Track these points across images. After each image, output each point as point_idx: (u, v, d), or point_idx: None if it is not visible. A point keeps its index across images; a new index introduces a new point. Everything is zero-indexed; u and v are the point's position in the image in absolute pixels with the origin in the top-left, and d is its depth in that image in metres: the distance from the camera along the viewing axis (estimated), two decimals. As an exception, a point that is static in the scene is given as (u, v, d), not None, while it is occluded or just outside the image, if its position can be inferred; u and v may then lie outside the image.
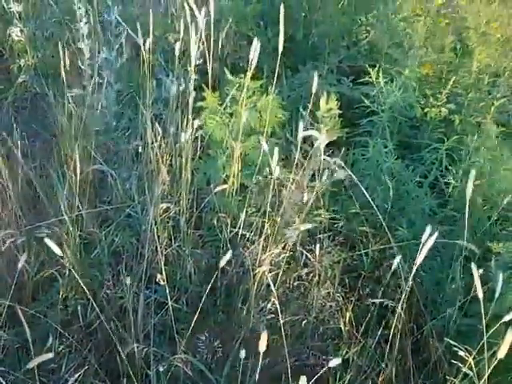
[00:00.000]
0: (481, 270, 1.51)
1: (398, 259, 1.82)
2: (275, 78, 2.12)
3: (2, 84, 3.14)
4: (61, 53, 2.28)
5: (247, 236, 2.25)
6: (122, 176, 2.43)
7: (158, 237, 2.13)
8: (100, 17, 2.60)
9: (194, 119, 2.19)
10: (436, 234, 1.55)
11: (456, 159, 2.39)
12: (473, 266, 1.47)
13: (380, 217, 2.03)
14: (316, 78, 1.96)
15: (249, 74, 2.09)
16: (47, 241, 1.42)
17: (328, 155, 2.14)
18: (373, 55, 2.96)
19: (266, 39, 3.30)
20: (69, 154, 2.43)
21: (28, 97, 3.08)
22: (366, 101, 2.40)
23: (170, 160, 2.39)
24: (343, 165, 2.10)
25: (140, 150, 2.50)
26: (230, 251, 1.70)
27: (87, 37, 2.47)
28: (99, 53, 2.50)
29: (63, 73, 2.33)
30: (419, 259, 1.56)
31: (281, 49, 1.95)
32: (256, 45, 1.96)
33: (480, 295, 1.48)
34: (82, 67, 2.53)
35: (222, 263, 1.69)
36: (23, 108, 3.06)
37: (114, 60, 2.51)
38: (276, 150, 1.90)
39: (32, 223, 2.24)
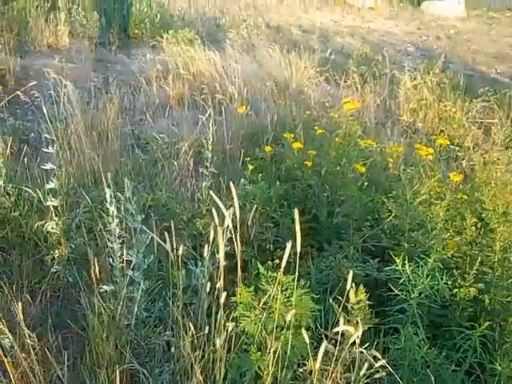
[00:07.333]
0: None
1: None
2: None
3: (37, 274, 3.23)
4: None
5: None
6: (154, 372, 2.42)
7: None
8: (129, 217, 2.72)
9: (227, 317, 2.23)
10: None
11: (489, 343, 2.37)
12: None
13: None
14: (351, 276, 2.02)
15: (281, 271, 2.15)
16: None
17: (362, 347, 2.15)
18: (396, 235, 3.02)
19: (290, 219, 3.41)
20: (100, 352, 2.45)
21: (61, 286, 3.15)
22: (394, 289, 2.43)
23: (203, 353, 2.39)
24: (380, 357, 2.09)
25: (171, 343, 2.52)
26: None
27: (118, 237, 2.58)
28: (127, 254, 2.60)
29: (93, 274, 2.43)
30: None
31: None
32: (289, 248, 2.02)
33: None
34: (113, 264, 2.62)
35: None
36: (56, 298, 3.12)
37: (141, 262, 2.60)
38: (322, 346, 1.94)
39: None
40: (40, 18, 8.02)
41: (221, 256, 2.22)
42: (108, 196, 2.53)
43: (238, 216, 2.20)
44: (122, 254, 2.62)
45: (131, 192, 2.70)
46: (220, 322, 2.27)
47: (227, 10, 11.88)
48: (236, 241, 2.23)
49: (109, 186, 2.58)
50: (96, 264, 2.67)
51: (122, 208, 2.75)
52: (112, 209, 2.53)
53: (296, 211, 2.05)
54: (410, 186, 2.92)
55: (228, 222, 2.29)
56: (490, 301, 2.60)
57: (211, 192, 2.41)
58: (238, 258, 2.24)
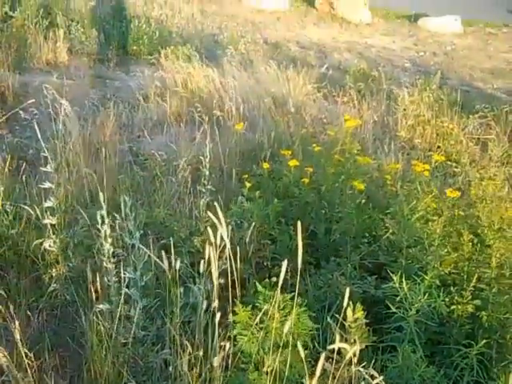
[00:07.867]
0: None
1: None
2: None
3: (34, 292, 3.22)
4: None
5: None
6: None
7: None
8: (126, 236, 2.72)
9: (224, 336, 2.23)
10: None
11: (487, 361, 2.37)
12: None
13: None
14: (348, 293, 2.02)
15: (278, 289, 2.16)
16: None
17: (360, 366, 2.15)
18: (393, 251, 3.03)
19: (288, 236, 3.41)
20: (98, 370, 2.45)
21: (58, 305, 3.14)
22: (392, 307, 2.43)
23: (200, 371, 2.39)
24: (377, 375, 2.08)
25: (168, 361, 2.52)
26: None
27: (112, 257, 2.59)
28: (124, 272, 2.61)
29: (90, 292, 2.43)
30: None
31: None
32: (285, 265, 2.03)
33: None
34: (109, 284, 2.62)
35: None
36: (53, 316, 3.11)
37: (138, 279, 2.60)
38: (320, 364, 1.93)
39: None
40: (39, 35, 8.03)
41: (214, 275, 2.23)
42: (99, 217, 2.53)
43: (228, 235, 2.21)
44: (118, 273, 2.62)
45: (129, 209, 2.71)
46: (217, 341, 2.27)
47: (225, 27, 11.93)
48: (230, 258, 2.24)
49: (102, 207, 2.58)
50: (93, 283, 2.67)
51: (120, 225, 2.76)
52: (106, 229, 2.53)
53: (299, 225, 2.05)
54: (407, 203, 2.93)
55: (225, 240, 2.30)
56: (487, 318, 2.60)
57: (209, 212, 2.42)
58: (229, 277, 2.24)
